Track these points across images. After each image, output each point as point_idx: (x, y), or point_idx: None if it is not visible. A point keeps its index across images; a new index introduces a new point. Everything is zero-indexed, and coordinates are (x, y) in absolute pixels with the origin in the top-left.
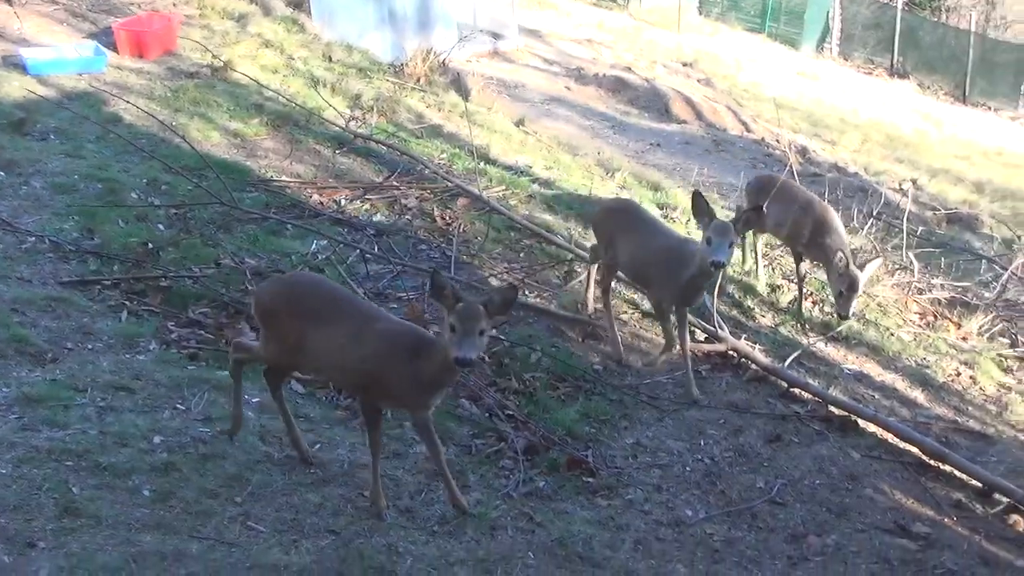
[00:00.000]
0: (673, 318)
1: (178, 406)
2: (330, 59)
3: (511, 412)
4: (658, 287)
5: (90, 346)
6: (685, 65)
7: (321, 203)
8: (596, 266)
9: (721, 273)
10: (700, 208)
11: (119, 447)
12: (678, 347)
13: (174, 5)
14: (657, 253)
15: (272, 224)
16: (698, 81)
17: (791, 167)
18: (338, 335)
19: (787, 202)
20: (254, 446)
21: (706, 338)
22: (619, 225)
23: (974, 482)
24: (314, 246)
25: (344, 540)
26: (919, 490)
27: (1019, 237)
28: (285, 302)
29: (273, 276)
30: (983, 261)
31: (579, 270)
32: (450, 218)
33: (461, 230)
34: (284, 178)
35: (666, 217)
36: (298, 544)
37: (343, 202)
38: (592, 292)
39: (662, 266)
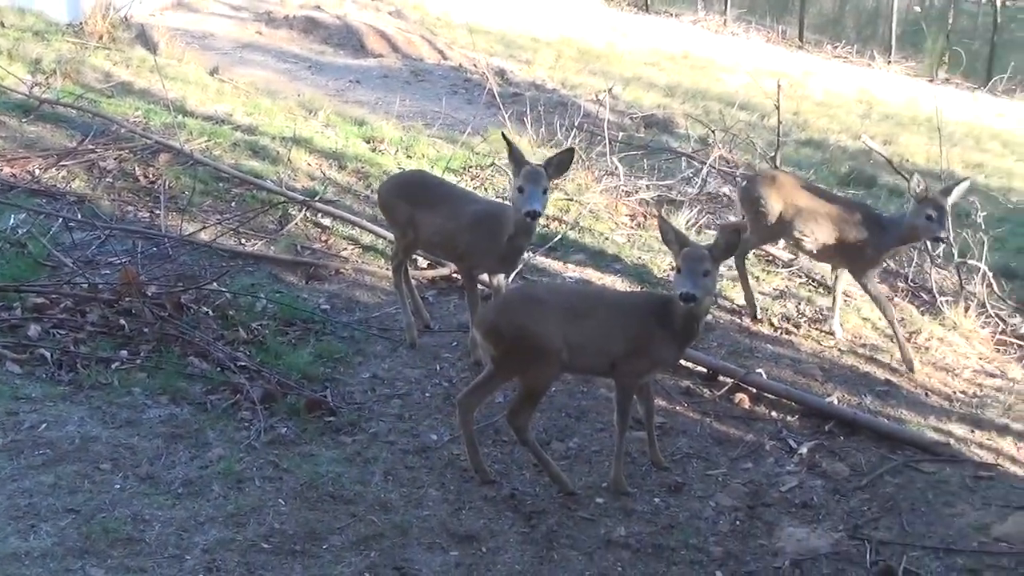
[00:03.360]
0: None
1: None
2: (2, 24)
3: (243, 363)
4: (473, 256)
5: None
6: None
7: (14, 175)
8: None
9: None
10: (513, 155)
11: None
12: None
13: None
14: (471, 220)
15: None
16: (389, 14)
17: (489, 88)
18: (594, 322)
19: None
20: None
21: (429, 264)
22: (417, 199)
23: (699, 368)
24: (12, 221)
25: (85, 517)
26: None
27: (713, 132)
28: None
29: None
30: (682, 159)
31: (293, 213)
32: (153, 176)
33: (167, 187)
34: None
35: (374, 150)
36: (36, 528)
37: (37, 172)
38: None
39: (478, 233)
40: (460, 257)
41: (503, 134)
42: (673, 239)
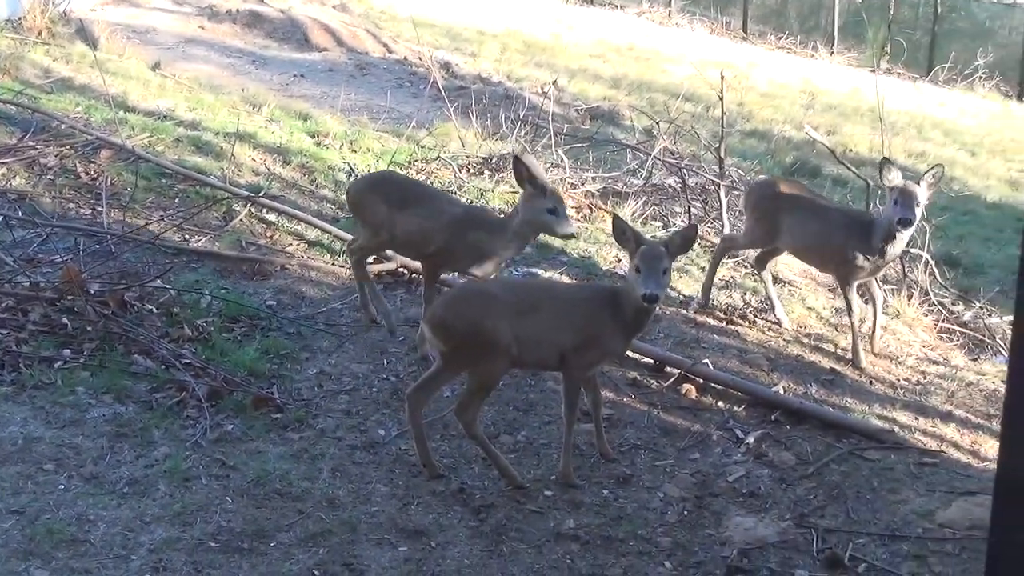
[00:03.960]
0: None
1: None
2: None
3: (188, 360)
4: (451, 256)
5: None
6: None
7: None
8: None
9: None
10: (520, 174)
11: None
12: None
13: None
14: (451, 222)
15: None
16: (333, 8)
17: (434, 81)
18: (544, 316)
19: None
20: None
21: (375, 259)
22: (394, 199)
23: (646, 359)
24: None
25: (29, 519)
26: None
27: (657, 124)
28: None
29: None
30: (628, 150)
31: (237, 208)
32: (95, 172)
33: (109, 183)
34: None
35: (319, 145)
36: None
37: None
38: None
39: (460, 235)
40: (430, 255)
41: (515, 156)
42: (629, 237)
